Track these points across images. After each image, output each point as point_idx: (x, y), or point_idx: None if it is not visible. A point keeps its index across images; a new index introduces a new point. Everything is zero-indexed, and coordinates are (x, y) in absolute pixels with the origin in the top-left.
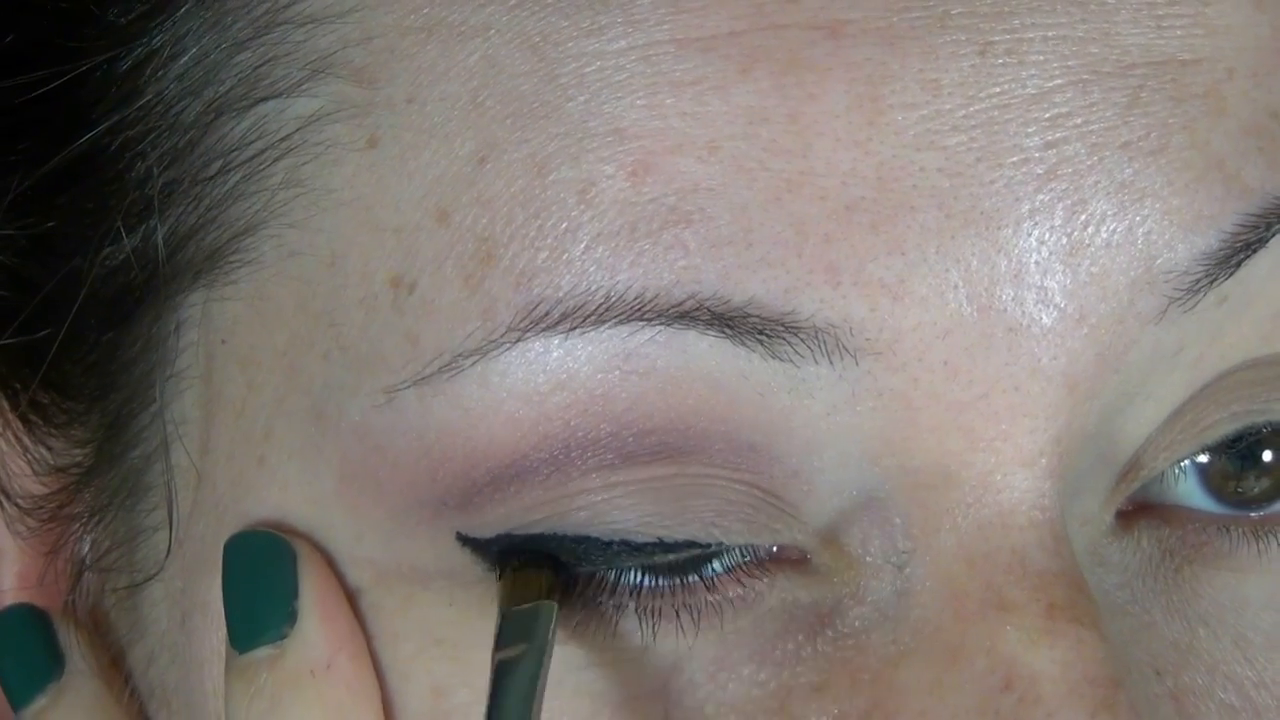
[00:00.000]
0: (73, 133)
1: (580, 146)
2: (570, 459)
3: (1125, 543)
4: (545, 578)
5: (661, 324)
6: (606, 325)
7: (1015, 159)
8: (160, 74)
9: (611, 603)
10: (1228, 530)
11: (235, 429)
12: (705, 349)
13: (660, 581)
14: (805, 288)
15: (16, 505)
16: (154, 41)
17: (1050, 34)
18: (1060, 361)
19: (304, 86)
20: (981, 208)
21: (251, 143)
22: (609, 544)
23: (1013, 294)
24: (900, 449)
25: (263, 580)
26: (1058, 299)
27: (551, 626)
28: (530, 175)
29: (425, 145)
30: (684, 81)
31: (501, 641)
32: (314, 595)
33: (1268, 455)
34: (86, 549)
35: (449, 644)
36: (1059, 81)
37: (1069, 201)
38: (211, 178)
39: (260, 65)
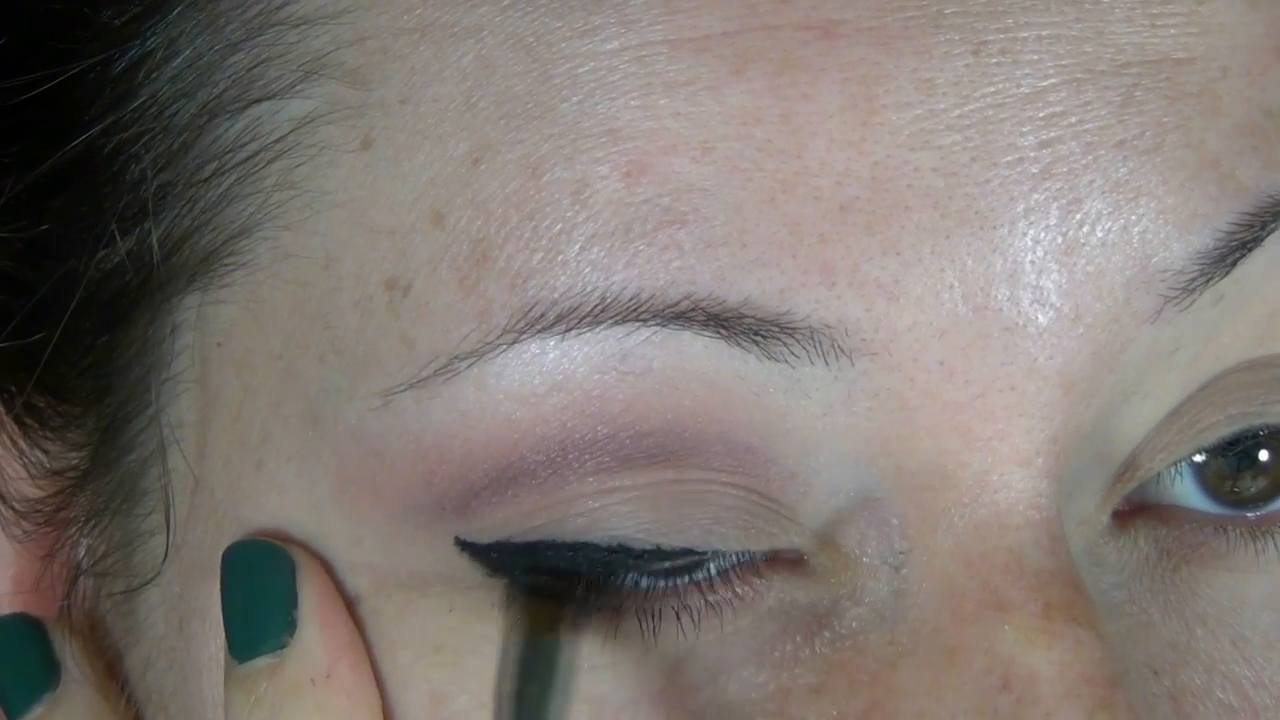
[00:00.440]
0: (66, 135)
1: (574, 147)
2: (567, 461)
3: (1122, 542)
4: (566, 611)
5: (657, 325)
6: (602, 326)
7: (1010, 158)
8: (154, 75)
9: (611, 605)
10: (1225, 530)
11: (232, 433)
12: (701, 350)
13: (658, 584)
14: (800, 288)
15: (12, 509)
16: (148, 43)
17: (1044, 33)
18: (1056, 361)
19: (298, 88)
20: (976, 207)
21: (245, 144)
22: (607, 550)
23: (1008, 293)
24: (896, 449)
25: (261, 589)
26: (1053, 298)
27: (574, 666)
28: (524, 176)
29: (419, 146)
30: (677, 82)
31: (518, 674)
32: (313, 604)
33: (1264, 455)
34: (82, 553)
35: (448, 650)
36: (1053, 80)
37: (1064, 201)
38: (206, 180)
39: (254, 66)
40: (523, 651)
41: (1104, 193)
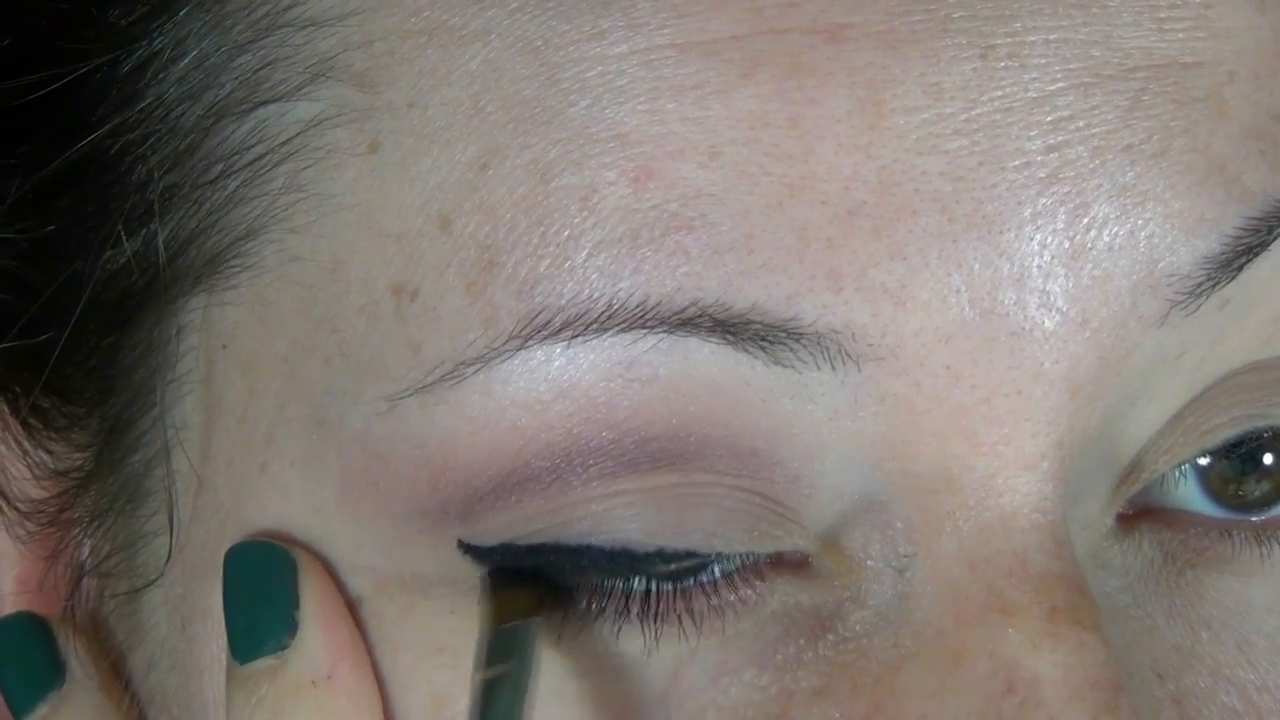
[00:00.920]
0: (73, 136)
1: (582, 152)
2: (572, 467)
3: (1126, 546)
4: (530, 594)
5: (664, 331)
6: (609, 333)
7: (1017, 163)
8: (161, 76)
9: (613, 608)
10: (1229, 534)
11: (236, 435)
12: (707, 355)
13: (662, 586)
14: (807, 293)
15: (16, 509)
16: (154, 44)
17: (1052, 37)
18: (1062, 365)
19: (305, 90)
20: (984, 212)
21: (252, 146)
22: (610, 553)
23: (1015, 298)
24: (902, 453)
25: (263, 591)
26: (1060, 303)
27: (536, 644)
28: (532, 182)
29: (427, 150)
30: (685, 86)
31: (486, 660)
32: (315, 605)
33: (1268, 459)
34: (86, 554)
35: (450, 652)
36: (1061, 85)
37: (1071, 205)
38: (212, 181)
39: (261, 68)
40: (488, 634)
41: (1111, 197)
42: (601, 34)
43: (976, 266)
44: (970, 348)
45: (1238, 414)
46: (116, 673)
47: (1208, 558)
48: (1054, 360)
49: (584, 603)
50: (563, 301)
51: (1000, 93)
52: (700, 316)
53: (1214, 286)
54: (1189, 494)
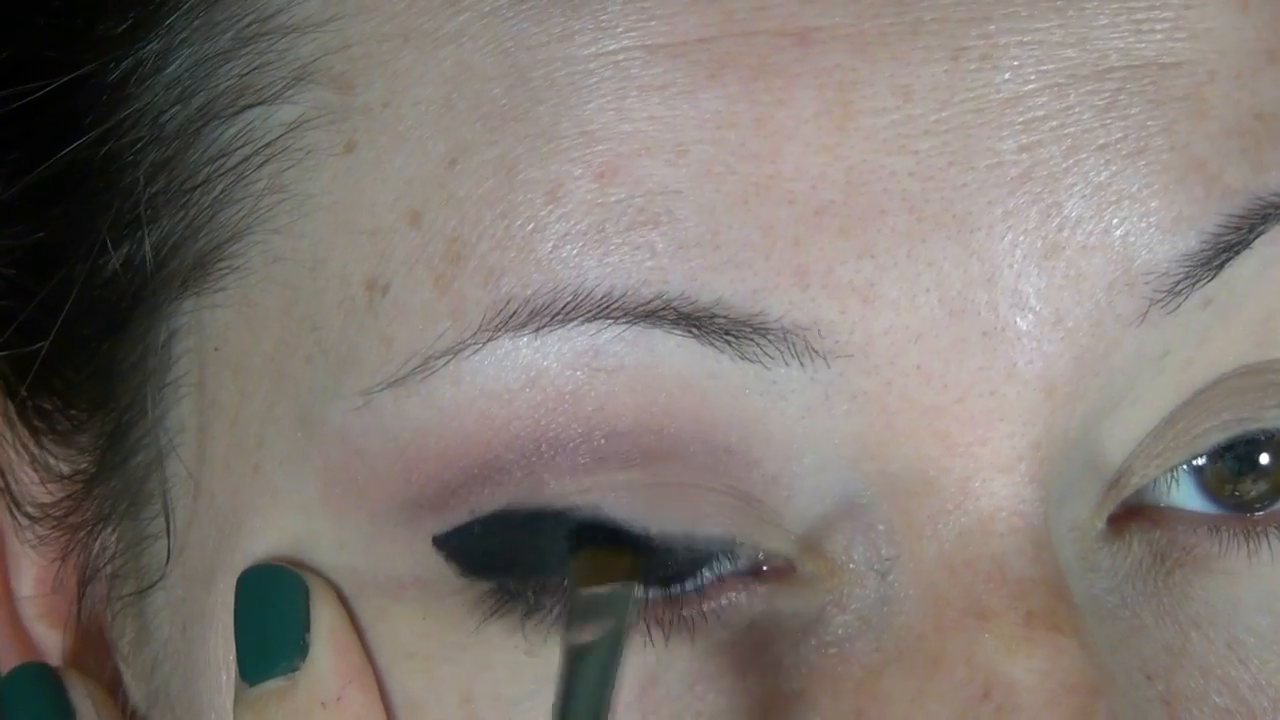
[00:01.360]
0: (62, 143)
1: (549, 149)
2: (543, 460)
3: (1116, 547)
4: (626, 559)
5: (628, 322)
6: (573, 323)
7: (988, 162)
8: (149, 83)
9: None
10: (1218, 532)
11: (230, 437)
12: (673, 348)
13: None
14: (773, 289)
15: (26, 514)
16: (142, 52)
17: (1026, 39)
18: (1037, 365)
19: (286, 94)
20: (953, 211)
21: (238, 149)
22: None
23: (986, 297)
24: (878, 453)
25: (275, 613)
26: (1033, 302)
27: (632, 612)
28: (499, 176)
29: (399, 149)
30: (653, 86)
31: (575, 625)
32: (326, 628)
33: (1264, 459)
34: (93, 556)
35: (420, 658)
36: (1034, 86)
37: (1044, 204)
38: (199, 185)
39: (246, 74)
40: (579, 599)
41: (1085, 196)
42: (570, 35)
43: (946, 266)
44: (941, 347)
45: (1229, 417)
46: (123, 710)
47: (1196, 556)
48: (1027, 360)
49: (549, 606)
50: (529, 292)
51: (972, 94)
52: (665, 309)
53: (1194, 285)
54: (1183, 496)
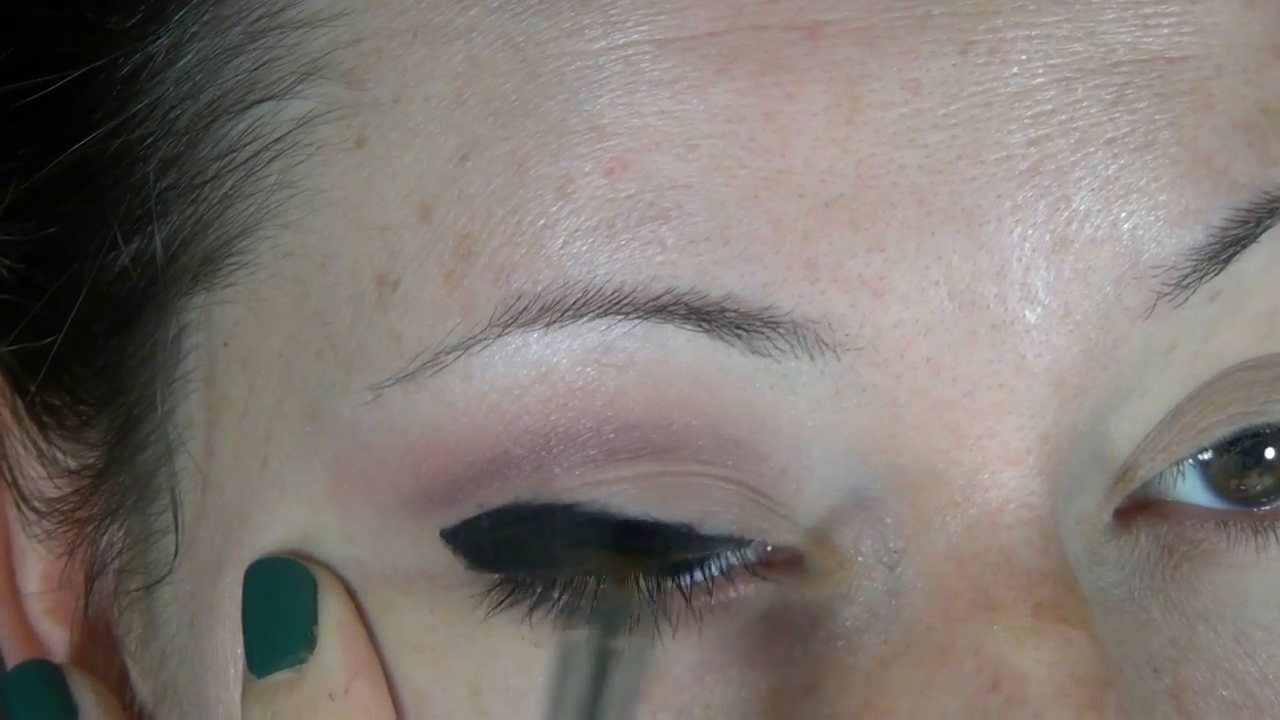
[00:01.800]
0: (72, 139)
1: (559, 144)
2: (553, 455)
3: (1123, 540)
4: (660, 561)
5: (638, 318)
6: (584, 319)
7: (997, 156)
8: (159, 79)
9: (587, 606)
10: (1226, 526)
11: (238, 432)
12: (683, 343)
13: (640, 584)
14: (783, 283)
15: (34, 509)
16: (152, 47)
17: (1034, 33)
18: (1045, 358)
19: (297, 89)
20: (962, 204)
21: (248, 144)
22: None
23: (995, 290)
24: (887, 446)
25: (283, 605)
26: (1041, 295)
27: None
28: (509, 172)
29: (410, 144)
30: (662, 80)
31: (606, 627)
32: (334, 620)
33: (1270, 453)
34: (100, 550)
35: (428, 650)
36: (1042, 80)
37: (1052, 198)
38: (209, 180)
39: (256, 69)
40: (613, 601)
41: (1093, 190)
42: (580, 30)
43: (955, 259)
44: (950, 340)
45: (1234, 411)
46: (129, 711)
47: (1203, 550)
48: (1036, 353)
49: (556, 598)
50: (539, 288)
51: (980, 88)
52: (675, 304)
53: (1201, 278)
54: (1189, 489)
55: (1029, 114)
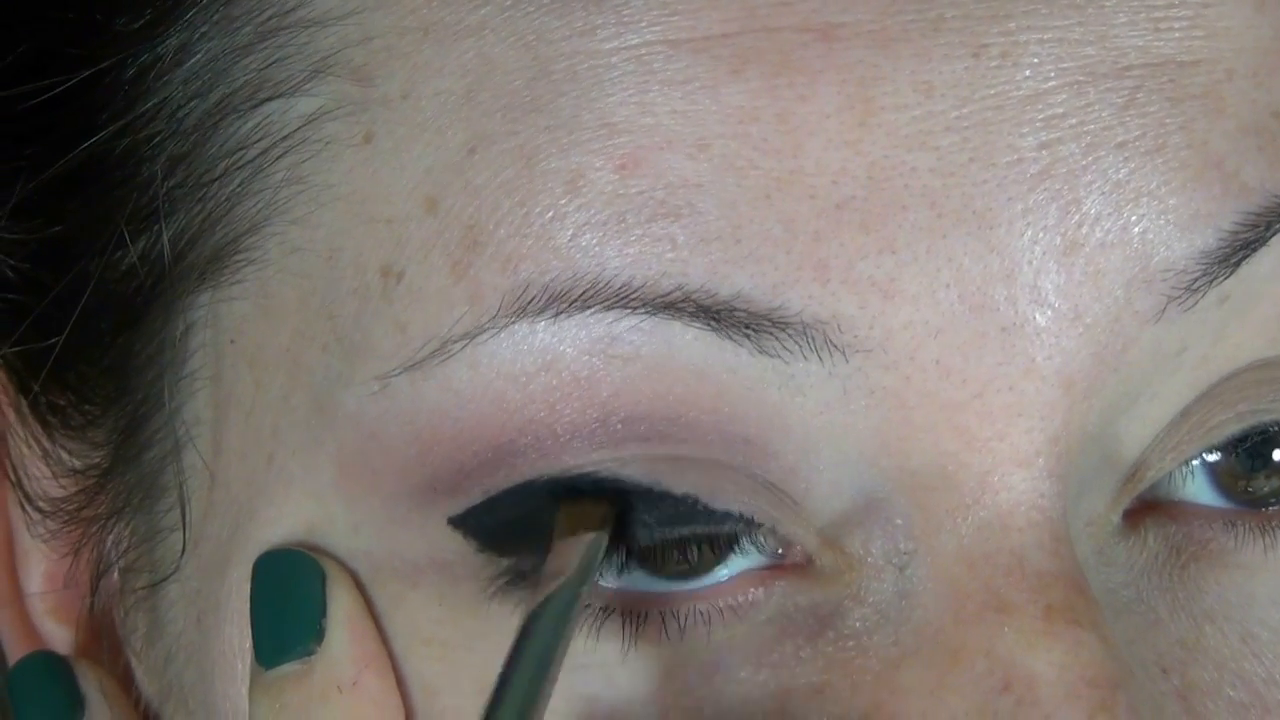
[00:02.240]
0: (80, 138)
1: (570, 139)
2: (559, 445)
3: (1132, 542)
4: (596, 509)
5: (646, 313)
6: (591, 310)
7: (1009, 159)
8: (167, 79)
9: (598, 605)
10: (1234, 526)
11: (245, 428)
12: (690, 340)
13: (655, 586)
14: (794, 284)
15: (38, 509)
16: (160, 48)
17: (1046, 36)
18: (1055, 361)
19: (306, 86)
20: (974, 207)
21: (256, 141)
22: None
23: (1006, 293)
24: (897, 449)
25: (291, 597)
26: (1052, 298)
27: (593, 559)
28: (518, 165)
29: (418, 138)
30: (675, 80)
31: (545, 574)
32: (343, 613)
33: (1278, 454)
34: (106, 550)
35: (437, 644)
36: (1054, 83)
37: (1063, 201)
38: (217, 178)
39: (265, 67)
40: (548, 551)
41: (1104, 193)
42: (593, 30)
43: (966, 261)
44: (960, 342)
45: (1243, 409)
46: (137, 708)
47: (1211, 550)
48: (1046, 356)
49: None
50: (547, 279)
51: (992, 91)
52: (684, 301)
53: (1211, 282)
54: (1197, 490)
55: (1040, 117)
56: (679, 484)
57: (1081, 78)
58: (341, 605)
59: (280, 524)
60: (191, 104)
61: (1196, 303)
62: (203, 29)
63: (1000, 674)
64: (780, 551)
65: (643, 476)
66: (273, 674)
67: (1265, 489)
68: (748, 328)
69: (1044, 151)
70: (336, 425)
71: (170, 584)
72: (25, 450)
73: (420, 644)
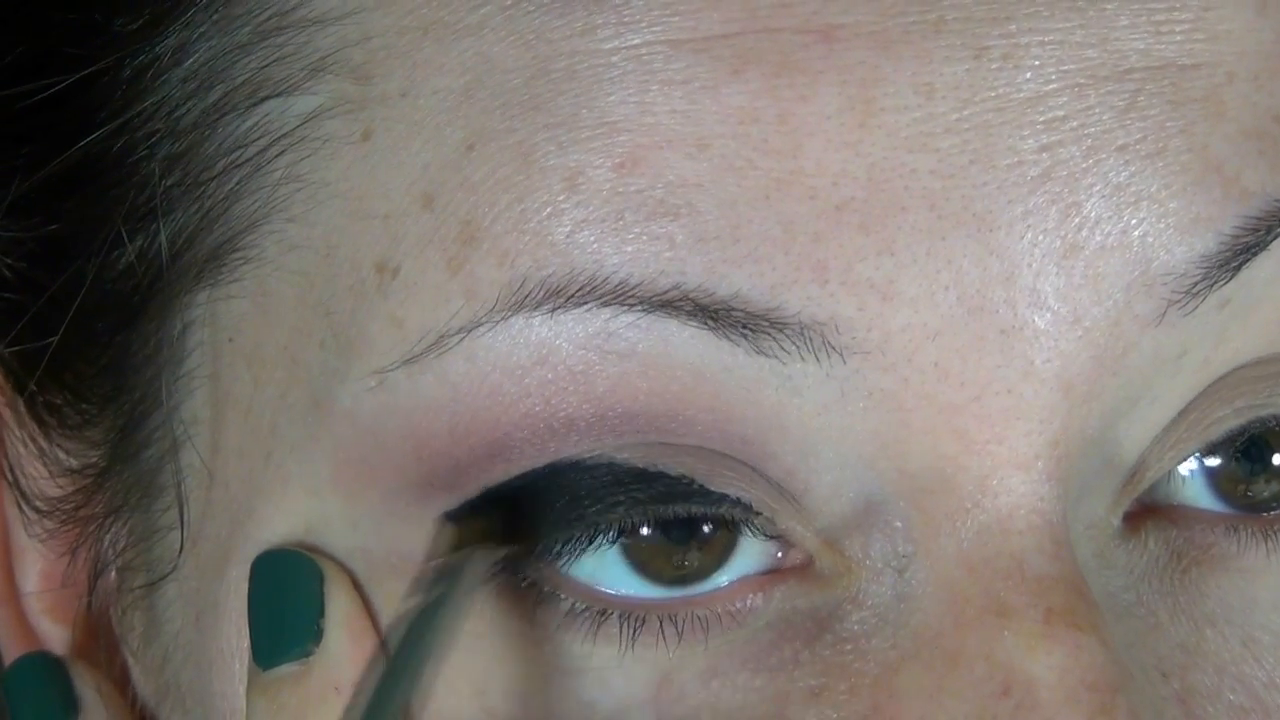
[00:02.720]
0: (77, 137)
1: (569, 137)
2: (556, 438)
3: (1132, 545)
4: (479, 526)
5: (643, 310)
6: (588, 305)
7: (1009, 161)
8: (165, 78)
9: (595, 608)
10: (1235, 530)
11: (243, 427)
12: (687, 339)
13: (651, 593)
14: (792, 285)
15: (35, 508)
16: (159, 48)
17: (1047, 39)
18: (1054, 364)
19: (305, 85)
20: (973, 209)
21: (255, 140)
22: (601, 483)
23: (1005, 296)
24: (895, 451)
25: (289, 598)
26: (1051, 301)
27: (462, 578)
28: (516, 163)
29: (416, 136)
30: (675, 80)
31: (412, 593)
32: (341, 614)
33: (1277, 459)
34: (104, 549)
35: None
36: (1055, 86)
37: (1063, 204)
38: (215, 177)
39: (264, 67)
40: (423, 573)
41: (1104, 197)
42: (593, 30)
43: (965, 264)
44: (959, 345)
45: (1241, 404)
46: (133, 708)
47: (1212, 555)
48: (1045, 359)
49: (562, 596)
50: (544, 274)
51: (993, 93)
52: (682, 300)
53: (1211, 286)
54: (1196, 494)
55: (1041, 120)
56: (674, 467)
57: (1082, 80)
58: (340, 606)
59: (278, 522)
60: (190, 103)
61: (1197, 307)
62: (202, 29)
63: (1000, 678)
64: (780, 555)
65: (639, 460)
66: (270, 675)
67: (1265, 493)
68: (745, 327)
69: (1044, 154)
70: (334, 422)
71: (168, 583)
72: (22, 450)
73: None
